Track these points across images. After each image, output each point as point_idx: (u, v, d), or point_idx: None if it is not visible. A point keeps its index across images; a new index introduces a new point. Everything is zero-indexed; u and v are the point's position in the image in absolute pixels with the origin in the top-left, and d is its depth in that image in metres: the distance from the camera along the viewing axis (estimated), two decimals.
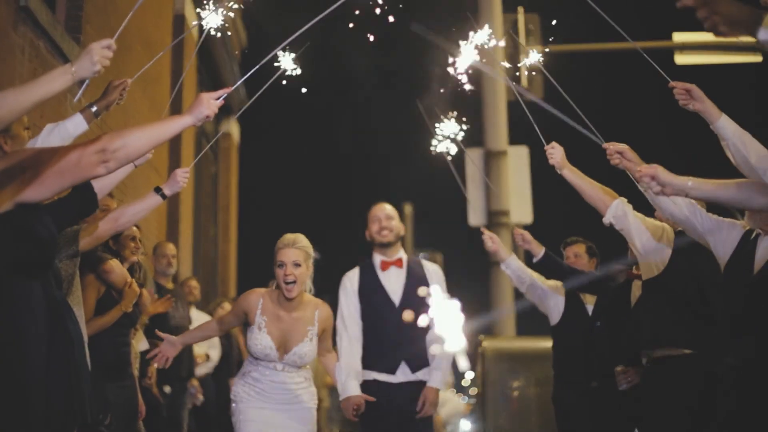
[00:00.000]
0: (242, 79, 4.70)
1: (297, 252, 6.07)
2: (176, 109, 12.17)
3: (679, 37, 13.02)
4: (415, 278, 6.92)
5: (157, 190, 5.74)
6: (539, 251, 7.19)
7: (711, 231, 5.26)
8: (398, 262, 6.96)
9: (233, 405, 6.15)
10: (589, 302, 7.49)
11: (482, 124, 13.49)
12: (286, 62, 5.70)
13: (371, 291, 6.90)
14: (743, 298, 4.89)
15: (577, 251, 7.67)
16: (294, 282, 6.03)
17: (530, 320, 10.54)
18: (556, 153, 5.99)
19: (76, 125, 5.17)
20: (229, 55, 17.60)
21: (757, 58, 12.56)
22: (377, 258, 6.99)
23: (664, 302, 5.97)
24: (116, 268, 6.38)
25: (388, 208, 7.00)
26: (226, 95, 4.17)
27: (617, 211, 5.86)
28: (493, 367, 10.07)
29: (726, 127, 4.62)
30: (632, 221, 5.90)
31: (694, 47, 12.84)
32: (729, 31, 3.50)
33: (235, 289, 19.36)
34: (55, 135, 5.06)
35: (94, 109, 5.28)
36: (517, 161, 13.38)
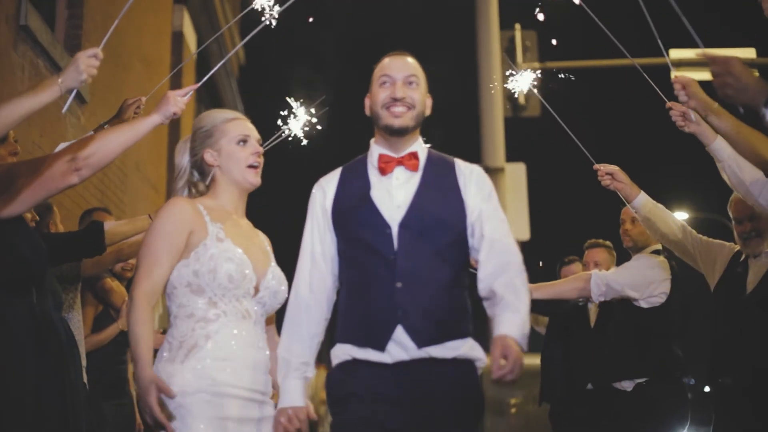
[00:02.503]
0: (207, 76, 4.67)
1: (256, 130, 4.12)
2: (174, 127, 12.19)
3: (675, 53, 13.06)
4: (438, 187, 3.86)
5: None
6: None
7: (701, 251, 5.38)
8: (410, 160, 3.87)
9: (176, 409, 3.55)
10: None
11: (479, 141, 13.51)
12: (295, 126, 5.45)
13: (354, 206, 3.83)
14: (736, 318, 4.97)
15: (576, 271, 7.72)
16: (259, 166, 4.04)
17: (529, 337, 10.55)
18: None
19: None
20: (228, 72, 17.63)
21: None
22: (375, 151, 3.92)
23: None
24: (114, 286, 6.40)
25: (411, 64, 3.93)
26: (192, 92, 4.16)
27: (599, 288, 6.14)
28: (490, 384, 10.06)
29: (722, 149, 4.65)
30: (615, 283, 6.14)
31: (690, 64, 12.90)
32: (735, 95, 3.50)
33: None
34: None
35: (107, 128, 5.30)
36: (514, 178, 13.38)
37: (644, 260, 6.28)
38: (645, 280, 6.16)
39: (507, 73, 5.73)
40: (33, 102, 3.75)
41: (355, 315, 3.76)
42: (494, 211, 3.84)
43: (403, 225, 3.72)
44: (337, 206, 3.86)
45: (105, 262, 5.77)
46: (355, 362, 3.71)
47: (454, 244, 3.78)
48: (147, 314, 3.59)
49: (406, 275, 3.68)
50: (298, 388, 3.77)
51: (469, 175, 3.88)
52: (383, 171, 3.83)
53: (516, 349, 3.44)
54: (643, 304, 6.20)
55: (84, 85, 3.87)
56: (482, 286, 3.73)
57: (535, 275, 7.32)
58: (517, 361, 3.42)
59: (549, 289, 6.34)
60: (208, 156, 3.97)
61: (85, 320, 6.14)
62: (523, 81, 5.56)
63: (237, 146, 3.96)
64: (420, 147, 3.91)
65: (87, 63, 3.77)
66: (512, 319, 3.58)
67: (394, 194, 3.79)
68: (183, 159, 4.08)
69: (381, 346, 3.66)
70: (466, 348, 3.71)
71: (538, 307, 7.33)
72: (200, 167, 4.02)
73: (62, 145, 5.16)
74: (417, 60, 3.90)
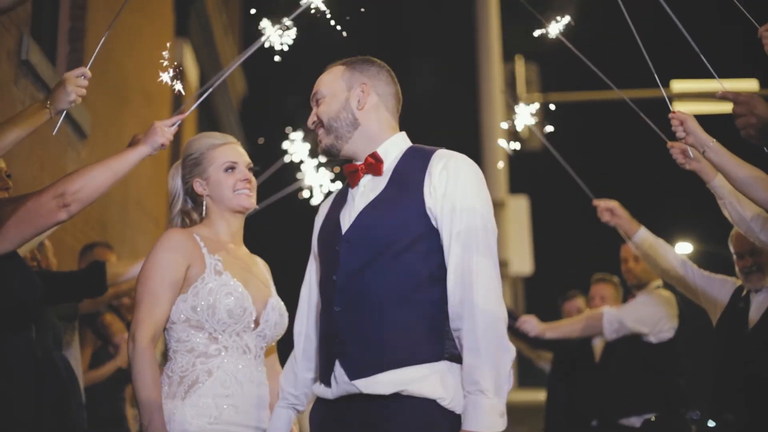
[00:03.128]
0: (195, 105, 4.59)
1: (246, 154, 3.95)
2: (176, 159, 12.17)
3: (678, 85, 13.06)
4: (401, 190, 3.28)
5: None
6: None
7: (702, 286, 5.38)
8: (371, 165, 3.37)
9: None
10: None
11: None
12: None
13: (324, 225, 3.51)
14: (738, 353, 4.95)
15: (579, 305, 7.71)
16: (250, 190, 3.87)
17: (531, 372, 10.49)
18: (531, 325, 6.33)
19: None
20: (228, 104, 17.66)
21: None
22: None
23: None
24: (113, 322, 6.36)
25: (321, 79, 3.53)
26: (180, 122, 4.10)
27: (611, 325, 6.23)
28: None
29: (722, 186, 4.65)
30: (628, 320, 6.22)
31: (693, 96, 12.88)
32: (759, 136, 3.46)
33: None
34: None
35: None
36: (516, 211, 13.36)
37: (654, 296, 6.34)
38: (656, 316, 6.23)
39: (513, 106, 5.71)
40: (25, 126, 3.70)
41: (314, 345, 3.48)
42: (467, 219, 3.15)
43: (345, 239, 3.28)
44: (319, 228, 3.54)
45: (103, 300, 5.74)
46: (315, 398, 3.38)
47: (412, 256, 3.18)
48: (154, 362, 3.46)
49: (346, 297, 3.21)
50: (283, 419, 3.56)
51: (440, 170, 3.23)
52: (352, 183, 3.41)
53: None
54: (653, 339, 6.25)
55: (73, 105, 3.81)
56: (453, 326, 3.13)
57: (539, 309, 7.30)
58: None
59: (562, 329, 6.40)
60: (197, 185, 3.84)
61: (83, 356, 6.10)
62: (525, 115, 5.48)
63: (225, 174, 3.81)
64: (388, 146, 3.39)
65: (75, 83, 3.72)
66: (478, 406, 2.97)
67: (355, 205, 3.35)
68: (176, 183, 3.93)
69: (327, 380, 3.24)
70: (414, 381, 3.05)
71: (542, 342, 7.30)
72: (192, 196, 3.88)
73: None
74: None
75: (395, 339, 3.11)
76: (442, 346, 3.11)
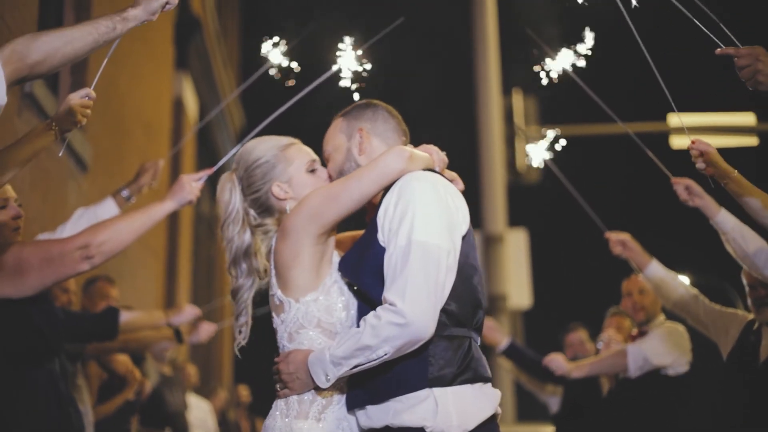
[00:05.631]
0: (222, 161, 4.62)
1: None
2: None
3: (675, 119, 13.02)
4: (373, 226, 3.32)
5: (176, 332, 5.63)
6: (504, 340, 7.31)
7: (713, 320, 5.36)
8: (369, 207, 3.46)
9: None
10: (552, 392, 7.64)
11: (480, 208, 13.46)
12: None
13: None
14: (749, 386, 4.94)
15: (581, 338, 7.69)
16: None
17: (531, 405, 10.47)
18: (557, 365, 6.28)
19: (106, 210, 5.12)
20: (227, 136, 17.69)
21: (754, 141, 12.62)
22: None
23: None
24: (119, 356, 6.36)
25: (325, 137, 3.62)
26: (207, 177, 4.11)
27: (636, 362, 6.20)
28: None
29: (726, 221, 4.67)
30: (653, 356, 6.18)
31: (691, 130, 12.84)
32: (767, 81, 3.44)
33: (231, 374, 19.24)
34: (84, 220, 5.02)
35: (125, 193, 5.23)
36: (515, 245, 13.31)
37: (672, 330, 6.29)
38: (677, 350, 6.18)
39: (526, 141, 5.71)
40: (30, 148, 3.70)
41: None
42: (393, 243, 3.15)
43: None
44: None
45: (109, 348, 5.75)
46: None
47: (380, 291, 3.17)
48: None
49: None
50: None
51: (386, 200, 3.26)
52: None
53: (297, 357, 3.18)
54: (670, 372, 6.20)
55: (79, 126, 3.82)
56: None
57: (538, 342, 7.28)
58: (286, 365, 3.18)
59: (588, 368, 6.37)
60: (278, 189, 3.43)
61: (91, 389, 6.11)
62: (537, 150, 5.39)
63: (309, 174, 3.48)
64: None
65: (80, 104, 3.73)
66: (321, 353, 3.14)
67: None
68: (234, 198, 3.47)
69: None
70: (400, 413, 3.10)
71: (552, 378, 7.25)
72: (265, 204, 3.46)
73: (79, 211, 5.11)
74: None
75: (377, 372, 3.14)
76: (425, 372, 3.11)
